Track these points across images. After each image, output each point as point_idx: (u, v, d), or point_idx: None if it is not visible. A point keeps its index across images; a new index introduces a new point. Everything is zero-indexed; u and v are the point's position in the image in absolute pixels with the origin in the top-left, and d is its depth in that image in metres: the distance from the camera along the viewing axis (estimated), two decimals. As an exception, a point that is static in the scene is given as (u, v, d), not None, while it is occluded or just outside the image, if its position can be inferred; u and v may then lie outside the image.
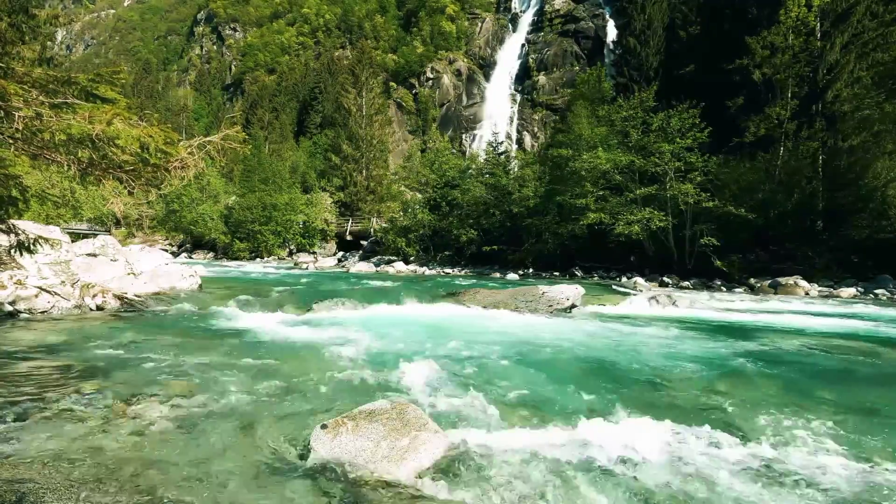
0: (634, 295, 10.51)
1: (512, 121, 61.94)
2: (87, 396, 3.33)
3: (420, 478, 2.40)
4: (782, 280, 12.62)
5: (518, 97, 63.72)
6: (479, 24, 70.71)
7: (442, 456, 2.56)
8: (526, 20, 69.05)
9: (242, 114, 70.54)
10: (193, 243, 36.69)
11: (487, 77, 67.42)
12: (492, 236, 22.13)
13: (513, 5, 73.50)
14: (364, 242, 31.27)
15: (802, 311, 9.11)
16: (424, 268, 22.46)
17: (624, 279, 15.61)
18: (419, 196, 29.39)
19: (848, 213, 14.23)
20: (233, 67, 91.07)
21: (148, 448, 2.62)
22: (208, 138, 3.61)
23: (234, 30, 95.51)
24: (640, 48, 23.52)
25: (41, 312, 6.83)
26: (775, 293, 12.19)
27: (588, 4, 62.68)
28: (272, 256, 32.50)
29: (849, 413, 3.46)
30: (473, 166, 27.13)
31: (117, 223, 39.16)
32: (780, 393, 3.97)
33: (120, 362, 4.38)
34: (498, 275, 18.65)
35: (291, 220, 33.34)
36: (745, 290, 13.20)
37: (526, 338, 6.19)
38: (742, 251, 14.93)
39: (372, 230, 30.74)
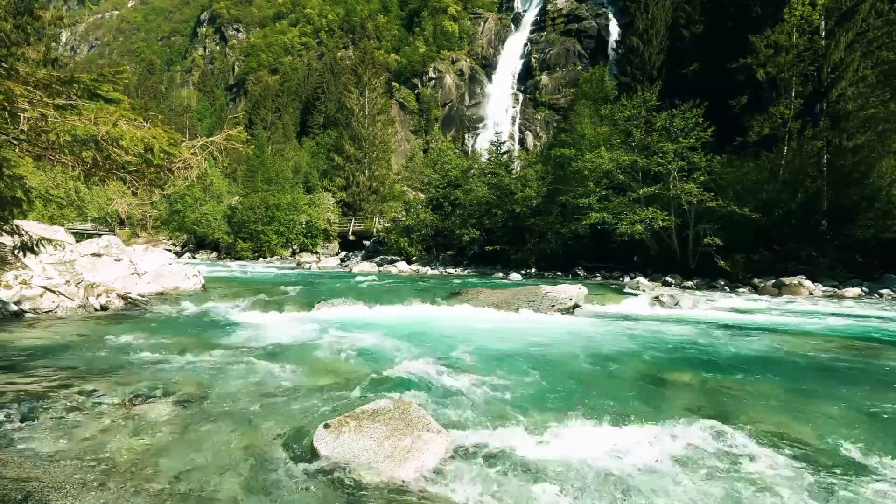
0: (637, 295, 10.48)
1: (514, 120, 61.86)
2: (91, 396, 3.34)
3: (423, 477, 2.40)
4: (786, 280, 12.55)
5: (521, 97, 63.62)
6: (482, 24, 70.61)
7: (444, 456, 2.56)
8: (528, 20, 68.93)
9: (245, 114, 70.70)
10: (197, 243, 36.81)
11: (490, 77, 67.34)
12: (494, 236, 22.11)
13: (515, 5, 73.35)
14: (367, 242, 31.31)
15: (806, 311, 9.06)
16: (427, 268, 22.46)
17: (627, 279, 15.57)
18: (421, 196, 29.38)
19: (853, 213, 14.13)
20: (236, 68, 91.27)
21: (152, 447, 2.63)
22: (211, 138, 3.61)
23: (237, 30, 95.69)
24: (643, 47, 23.44)
25: (46, 312, 6.87)
26: (779, 293, 12.13)
27: (591, 4, 62.51)
28: (275, 256, 32.58)
29: (853, 414, 3.44)
30: (476, 166, 27.10)
31: (121, 223, 39.37)
32: (784, 393, 3.95)
33: (124, 362, 4.40)
34: (500, 275, 18.63)
35: (294, 219, 33.42)
36: (748, 289, 13.14)
37: (528, 338, 6.19)
38: (746, 251, 14.84)
39: (374, 230, 30.77)
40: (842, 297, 11.28)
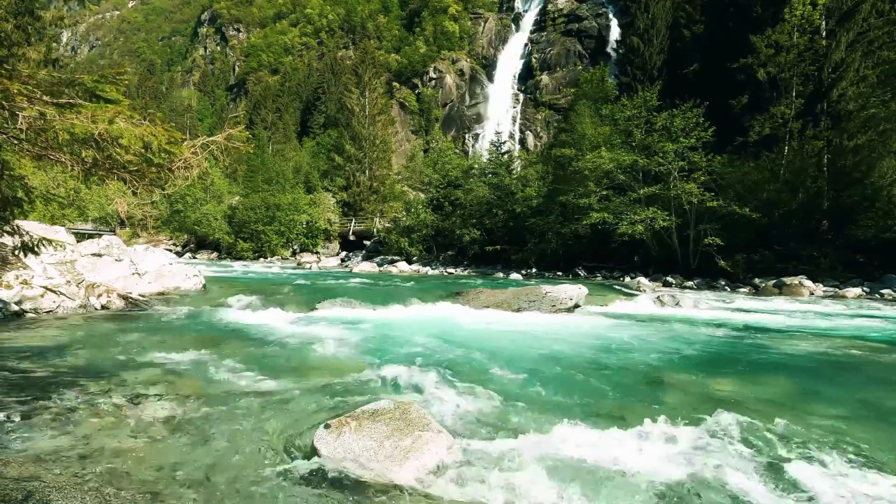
0: (638, 295, 10.47)
1: (515, 120, 61.86)
2: (92, 396, 3.34)
3: (423, 478, 2.39)
4: (787, 280, 12.53)
5: (521, 97, 63.65)
6: (482, 24, 70.62)
7: (445, 456, 2.55)
8: (529, 19, 68.97)
9: (246, 114, 70.74)
10: (197, 243, 36.82)
11: (490, 77, 67.36)
12: (495, 236, 22.11)
13: (516, 5, 73.38)
14: (367, 242, 31.30)
15: (807, 311, 9.06)
16: (427, 268, 22.46)
17: (627, 279, 15.56)
18: (422, 196, 29.38)
19: (853, 213, 14.11)
20: (236, 68, 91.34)
21: (152, 447, 2.63)
22: (212, 138, 3.61)
23: (238, 30, 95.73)
24: (643, 47, 23.40)
25: (46, 312, 6.88)
26: (780, 293, 12.12)
27: (591, 4, 62.53)
28: (276, 256, 32.59)
29: (854, 414, 3.44)
30: (476, 166, 27.10)
31: (122, 223, 39.35)
32: (784, 393, 3.94)
33: (124, 362, 4.40)
34: (501, 275, 18.63)
35: (295, 220, 33.42)
36: (749, 289, 13.13)
37: (529, 338, 6.19)
38: (746, 251, 14.83)
39: (375, 230, 30.76)
40: (843, 298, 11.27)
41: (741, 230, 14.93)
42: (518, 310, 8.29)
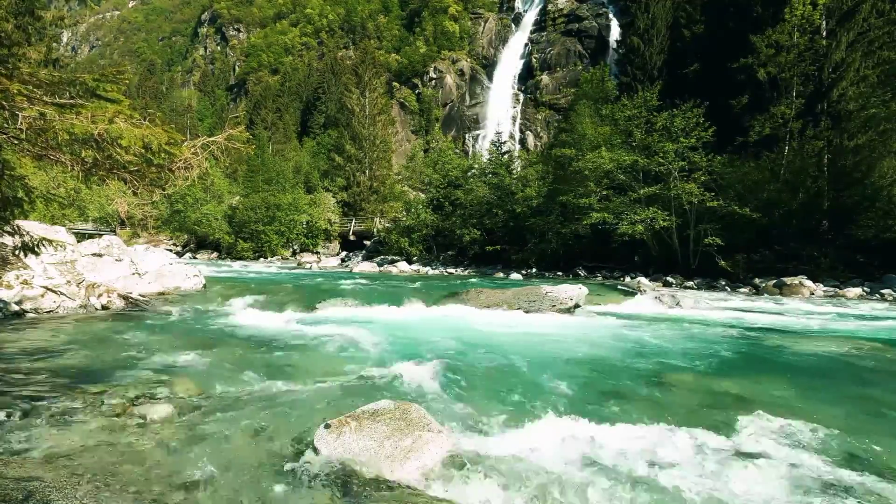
0: (638, 294, 10.47)
1: (515, 120, 61.83)
2: (92, 396, 3.34)
3: (423, 477, 2.39)
4: (787, 280, 12.54)
5: (521, 97, 63.61)
6: (482, 24, 70.59)
7: (445, 456, 2.55)
8: (529, 19, 68.91)
9: (246, 114, 70.73)
10: (197, 243, 36.83)
11: (490, 77, 67.31)
12: (495, 236, 22.11)
13: (516, 5, 73.33)
14: (367, 242, 31.30)
15: (807, 311, 9.05)
16: (427, 268, 22.46)
17: (628, 279, 15.56)
18: (422, 196, 29.39)
19: (853, 213, 14.11)
20: (236, 68, 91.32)
21: (153, 448, 2.63)
22: (212, 138, 3.62)
23: (238, 30, 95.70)
24: (643, 47, 23.38)
25: (47, 312, 6.88)
26: (780, 293, 12.12)
27: (591, 4, 62.49)
28: (276, 256, 32.60)
29: (858, 412, 3.44)
30: (476, 166, 27.12)
31: (122, 223, 39.36)
32: (784, 393, 3.94)
33: (125, 362, 4.40)
34: (501, 274, 18.63)
35: (295, 220, 33.44)
36: (749, 289, 13.13)
37: (529, 338, 6.19)
38: (746, 251, 14.83)
39: (375, 230, 30.77)
40: (843, 298, 11.27)
41: (741, 230, 14.93)
42: (518, 310, 8.29)
